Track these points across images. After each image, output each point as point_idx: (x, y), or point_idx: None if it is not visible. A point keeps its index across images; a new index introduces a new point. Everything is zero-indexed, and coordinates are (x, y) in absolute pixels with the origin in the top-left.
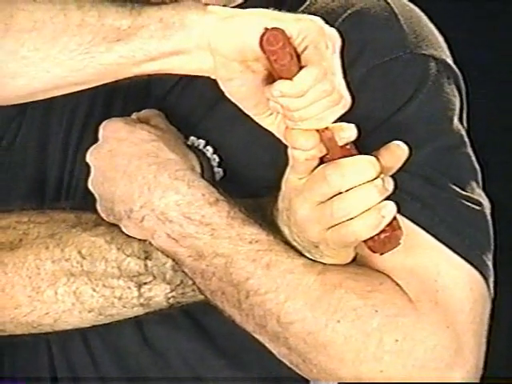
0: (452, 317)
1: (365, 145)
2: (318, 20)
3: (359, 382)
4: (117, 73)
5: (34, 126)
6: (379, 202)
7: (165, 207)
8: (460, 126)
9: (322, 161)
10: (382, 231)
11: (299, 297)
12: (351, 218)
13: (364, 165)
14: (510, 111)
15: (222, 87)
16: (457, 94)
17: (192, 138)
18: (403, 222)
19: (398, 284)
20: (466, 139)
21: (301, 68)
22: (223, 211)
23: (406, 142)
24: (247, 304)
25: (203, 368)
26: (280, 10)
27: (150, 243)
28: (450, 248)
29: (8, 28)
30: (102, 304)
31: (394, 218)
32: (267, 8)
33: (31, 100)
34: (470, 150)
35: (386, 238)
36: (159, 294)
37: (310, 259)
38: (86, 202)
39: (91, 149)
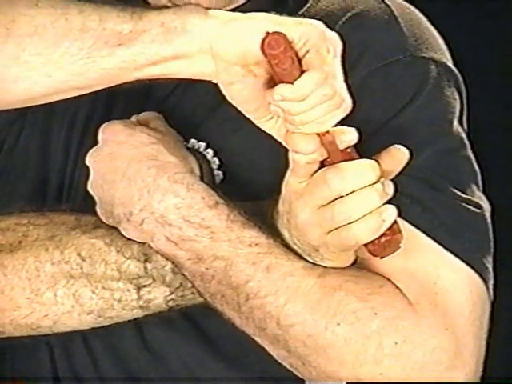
0: (451, 320)
1: (365, 147)
2: (320, 24)
3: (359, 383)
4: (118, 77)
5: (36, 129)
6: (380, 206)
7: (164, 210)
8: (460, 129)
9: (322, 164)
10: (383, 235)
11: (299, 299)
12: (352, 222)
13: (365, 168)
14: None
15: (224, 91)
16: (457, 96)
17: (192, 140)
18: (403, 224)
19: (397, 287)
20: (466, 142)
21: (302, 72)
22: (223, 214)
23: (405, 145)
24: (247, 307)
25: (202, 370)
26: (280, 12)
27: (149, 246)
28: (450, 251)
29: (9, 33)
30: (101, 306)
31: (395, 222)
32: (267, 10)
33: (33, 104)
34: (470, 153)
35: (387, 242)
36: (158, 297)
37: (310, 262)
38: (86, 205)
39: (91, 151)
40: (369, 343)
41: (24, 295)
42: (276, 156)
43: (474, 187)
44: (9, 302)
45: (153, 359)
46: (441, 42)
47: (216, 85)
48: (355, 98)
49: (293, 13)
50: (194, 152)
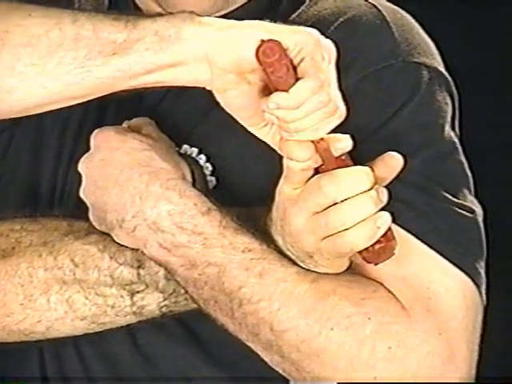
0: (444, 324)
1: (357, 153)
2: (315, 32)
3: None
4: (113, 86)
5: (27, 135)
6: (374, 213)
7: (157, 217)
8: (452, 133)
9: (316, 171)
10: (377, 242)
11: (293, 305)
12: (346, 229)
13: (359, 175)
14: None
15: (218, 98)
16: (449, 101)
17: (185, 146)
18: (396, 229)
19: (390, 292)
20: (458, 146)
21: (297, 80)
22: (215, 220)
23: (398, 150)
24: (240, 313)
25: (195, 375)
26: (273, 17)
27: (142, 252)
28: (443, 255)
29: (4, 43)
30: (94, 312)
31: (389, 229)
32: (259, 16)
33: (28, 114)
34: (462, 157)
35: (381, 249)
36: (152, 303)
37: (304, 268)
38: (78, 211)
39: (83, 158)
40: (362, 348)
41: (17, 301)
42: (269, 161)
43: (466, 192)
44: (2, 308)
45: (145, 364)
46: (432, 46)
47: (208, 90)
48: (348, 103)
49: (284, 17)
50: (187, 158)
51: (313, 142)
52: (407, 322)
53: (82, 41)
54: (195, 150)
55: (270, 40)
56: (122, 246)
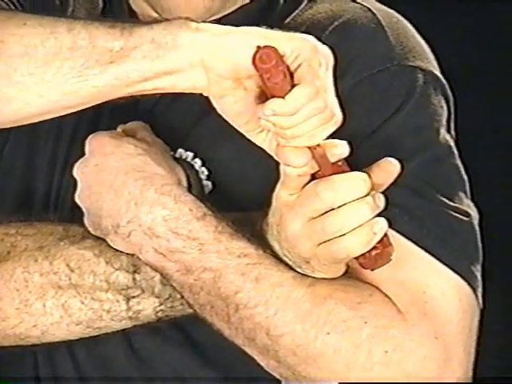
0: (441, 328)
1: (352, 157)
2: (311, 38)
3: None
4: (110, 94)
5: (21, 139)
6: (371, 219)
7: (152, 222)
8: (448, 137)
9: (313, 177)
10: (374, 248)
11: (289, 309)
12: (343, 235)
13: (356, 181)
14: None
15: (215, 104)
16: (444, 104)
17: (180, 150)
18: (392, 233)
19: (387, 296)
20: (454, 150)
21: (293, 86)
22: (211, 226)
23: (393, 154)
24: (236, 317)
25: (191, 379)
26: (268, 20)
27: (138, 257)
28: (439, 259)
29: (0, 53)
30: (90, 317)
31: (385, 235)
32: (254, 19)
33: (25, 123)
34: (458, 161)
35: (378, 255)
36: (148, 308)
37: (300, 273)
38: (73, 216)
39: (78, 163)
40: (359, 352)
41: (13, 306)
42: (266, 165)
43: (462, 195)
44: None
45: (141, 368)
46: (427, 50)
47: (205, 95)
48: (343, 107)
49: (279, 21)
50: (182, 162)
51: (309, 148)
52: (403, 326)
53: (79, 50)
54: (190, 155)
55: (267, 46)
56: (118, 250)
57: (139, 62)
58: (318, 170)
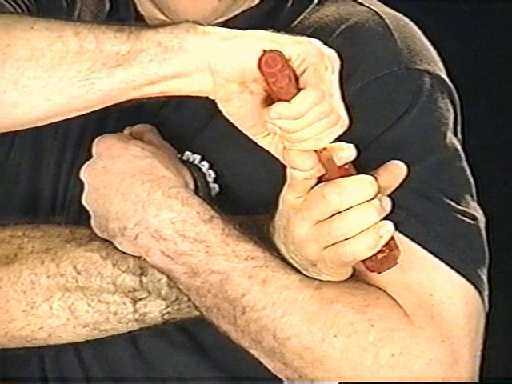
0: (447, 331)
1: (359, 160)
2: (317, 42)
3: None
4: (117, 97)
5: (27, 142)
6: (377, 222)
7: (159, 225)
8: (454, 140)
9: (320, 179)
10: (380, 251)
11: (296, 312)
12: (349, 238)
13: (363, 184)
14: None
15: (221, 108)
16: (451, 108)
17: (187, 152)
18: (398, 236)
19: (393, 299)
20: (461, 153)
21: (299, 90)
22: (218, 228)
23: (400, 158)
24: (243, 320)
25: (197, 381)
26: (274, 24)
27: (145, 259)
28: (445, 263)
29: (6, 57)
30: (96, 319)
31: (392, 238)
32: (260, 23)
33: (32, 126)
34: (464, 164)
35: (384, 258)
36: (154, 310)
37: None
38: (80, 218)
39: (85, 166)
40: (365, 355)
41: (19, 308)
42: (272, 168)
43: (469, 198)
44: (4, 315)
45: (147, 370)
46: (434, 53)
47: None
48: (350, 110)
49: (285, 25)
50: (189, 165)
51: (316, 151)
52: (410, 329)
53: (86, 53)
54: (197, 157)
55: (273, 50)
56: (125, 253)
57: (146, 65)
58: (325, 173)
